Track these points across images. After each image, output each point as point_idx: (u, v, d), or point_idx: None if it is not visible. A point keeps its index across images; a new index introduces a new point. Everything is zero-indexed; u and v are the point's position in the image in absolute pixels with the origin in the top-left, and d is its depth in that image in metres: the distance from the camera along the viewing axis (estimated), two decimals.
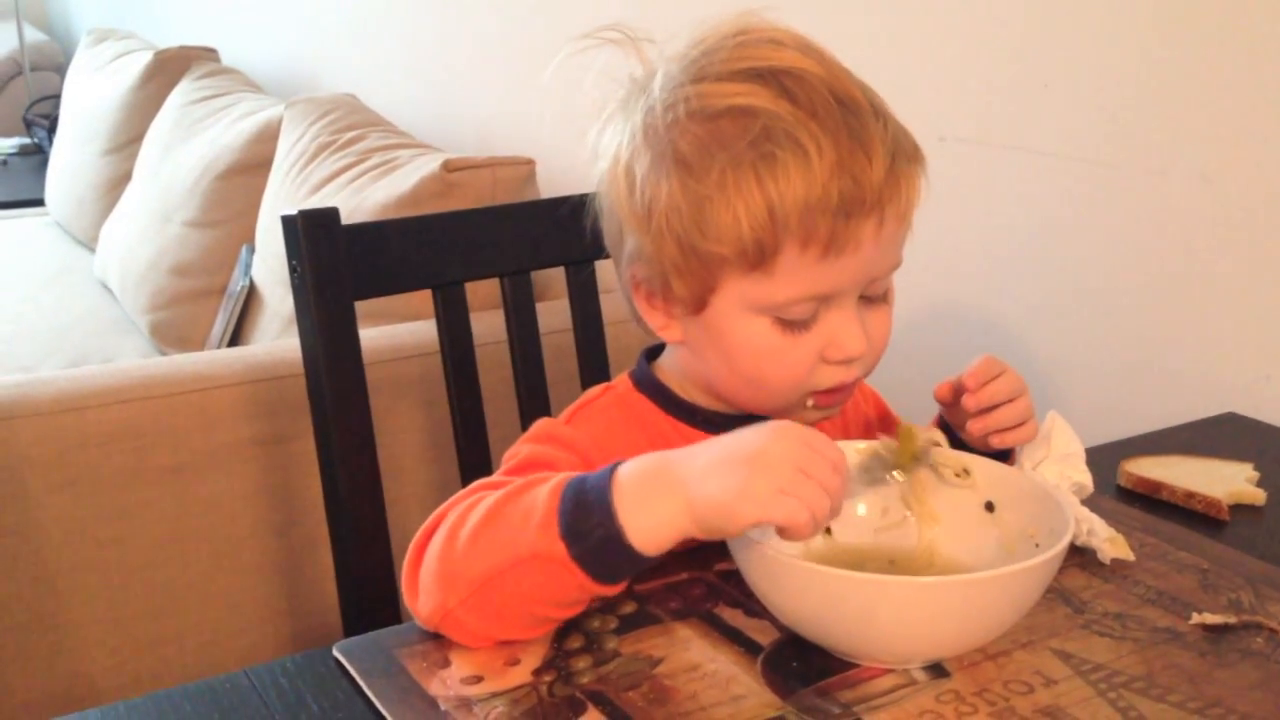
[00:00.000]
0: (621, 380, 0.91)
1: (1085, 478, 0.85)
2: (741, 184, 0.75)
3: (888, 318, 0.84)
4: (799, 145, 0.74)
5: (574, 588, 0.70)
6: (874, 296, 0.82)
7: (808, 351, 0.80)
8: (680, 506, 0.68)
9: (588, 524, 0.68)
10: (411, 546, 0.75)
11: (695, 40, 0.80)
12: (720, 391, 0.86)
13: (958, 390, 0.87)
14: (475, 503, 0.73)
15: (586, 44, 0.83)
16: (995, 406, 0.84)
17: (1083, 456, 0.85)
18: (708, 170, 0.76)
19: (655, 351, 0.92)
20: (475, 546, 0.71)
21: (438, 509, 0.76)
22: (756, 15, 0.81)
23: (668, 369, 0.90)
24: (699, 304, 0.80)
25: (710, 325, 0.81)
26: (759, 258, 0.76)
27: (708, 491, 0.67)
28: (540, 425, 0.86)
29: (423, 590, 0.73)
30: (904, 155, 0.78)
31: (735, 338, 0.80)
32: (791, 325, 0.79)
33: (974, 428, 0.84)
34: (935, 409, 0.92)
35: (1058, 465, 0.84)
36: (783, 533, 0.68)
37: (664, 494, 0.68)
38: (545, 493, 0.70)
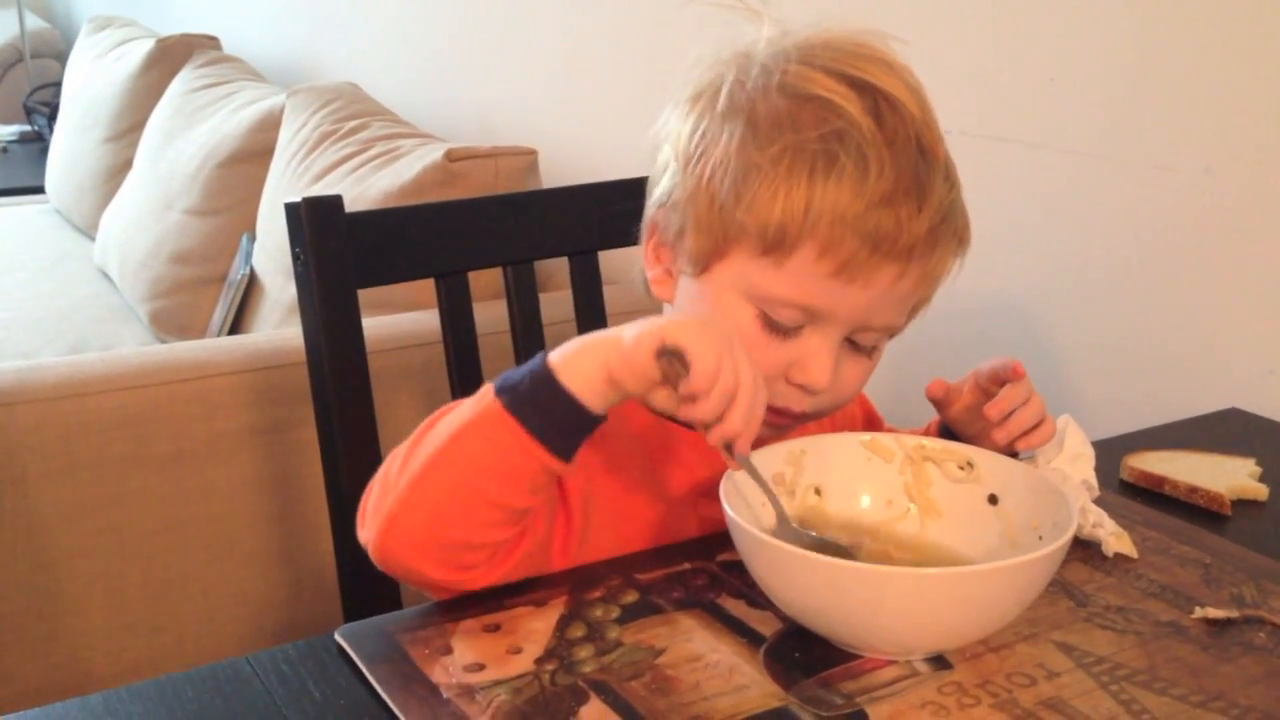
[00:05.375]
0: None
1: (1093, 479, 0.85)
2: (795, 169, 0.75)
3: (865, 371, 0.84)
4: (864, 161, 0.74)
5: (517, 452, 0.70)
6: (860, 345, 0.82)
7: (775, 360, 0.79)
8: (610, 343, 0.70)
9: (518, 377, 0.70)
10: (364, 495, 0.77)
11: (820, 29, 0.80)
12: None
13: (953, 391, 0.88)
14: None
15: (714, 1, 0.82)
16: (1013, 411, 0.84)
17: (1092, 459, 0.86)
18: (771, 142, 0.76)
19: None
20: (412, 451, 0.73)
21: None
22: (880, 36, 0.81)
23: None
24: (703, 265, 0.80)
25: (703, 292, 0.81)
26: (776, 244, 0.76)
27: (642, 324, 0.69)
28: None
29: (367, 519, 0.74)
30: (951, 228, 0.78)
31: (718, 315, 0.80)
32: (773, 327, 0.79)
33: (998, 436, 0.83)
34: (929, 404, 0.92)
35: (1068, 466, 0.85)
36: (685, 394, 0.69)
37: (594, 342, 0.71)
38: (477, 393, 0.73)
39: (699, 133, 0.80)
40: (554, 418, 0.70)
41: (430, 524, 0.72)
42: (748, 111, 0.78)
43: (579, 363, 0.70)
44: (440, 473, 0.71)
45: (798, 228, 0.75)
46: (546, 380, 0.70)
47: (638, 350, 0.69)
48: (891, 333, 0.83)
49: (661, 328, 0.69)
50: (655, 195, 0.84)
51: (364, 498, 0.76)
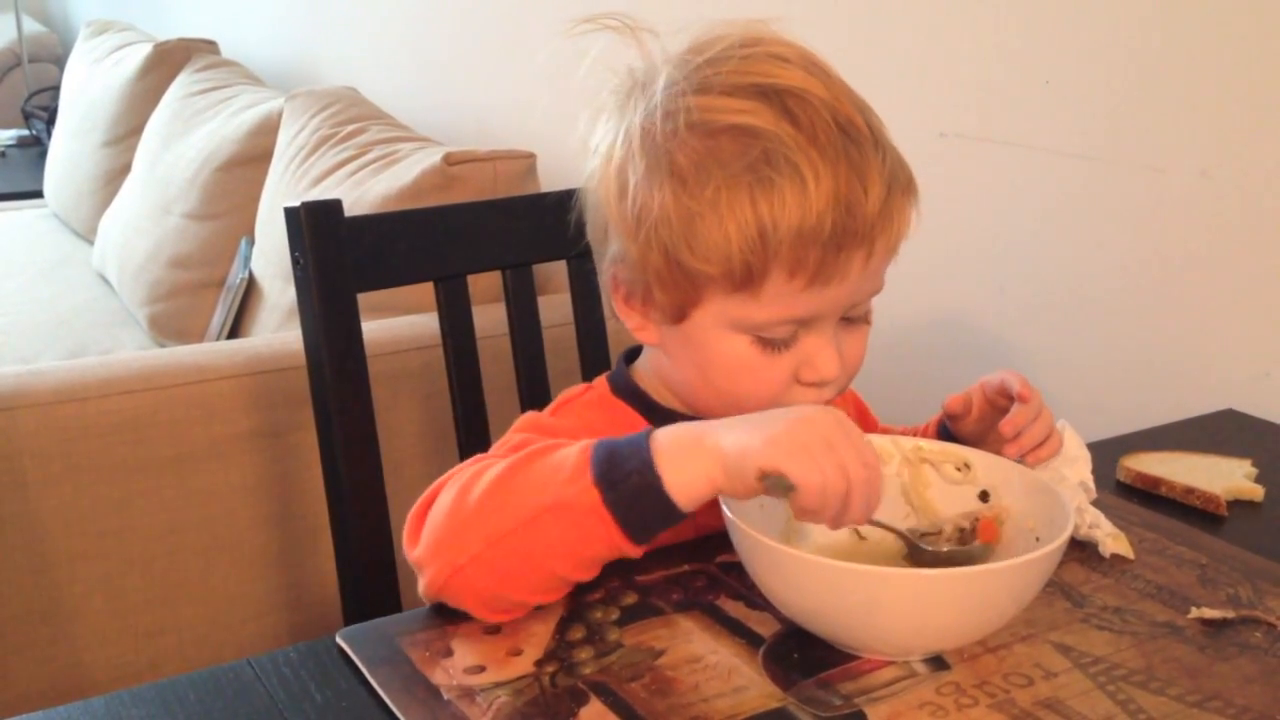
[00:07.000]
0: (600, 383, 0.91)
1: (1090, 481, 0.86)
2: (735, 205, 0.75)
3: (864, 338, 0.84)
4: (797, 172, 0.74)
5: (601, 541, 0.70)
6: (854, 318, 0.82)
7: (782, 371, 0.80)
8: (714, 456, 0.69)
9: (623, 472, 0.69)
10: (416, 505, 0.75)
11: (700, 45, 0.79)
12: (691, 400, 0.86)
13: (967, 404, 0.88)
14: (486, 466, 0.73)
15: (584, 28, 0.82)
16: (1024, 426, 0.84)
17: (1089, 462, 0.86)
18: (703, 186, 0.75)
19: (634, 354, 0.92)
20: (493, 501, 0.71)
21: (441, 476, 0.76)
22: (764, 25, 0.80)
23: (645, 373, 0.89)
24: (679, 315, 0.81)
25: (689, 337, 0.81)
26: (745, 279, 0.76)
27: (739, 436, 0.68)
28: (526, 417, 0.86)
29: (427, 550, 0.72)
30: (899, 187, 0.78)
31: (712, 352, 0.80)
32: (770, 344, 0.79)
33: (1010, 451, 0.83)
34: (931, 407, 0.93)
35: (1066, 469, 0.85)
36: (798, 509, 0.68)
37: (700, 449, 0.69)
38: (573, 450, 0.71)
39: (630, 197, 0.78)
40: (648, 518, 0.70)
41: (498, 585, 0.71)
42: (668, 163, 0.77)
43: (685, 472, 0.69)
44: (521, 544, 0.70)
45: (760, 258, 0.75)
46: (653, 487, 0.69)
47: (741, 471, 0.68)
48: (876, 294, 0.83)
49: (760, 452, 0.67)
50: (608, 252, 0.83)
51: (419, 508, 0.74)
